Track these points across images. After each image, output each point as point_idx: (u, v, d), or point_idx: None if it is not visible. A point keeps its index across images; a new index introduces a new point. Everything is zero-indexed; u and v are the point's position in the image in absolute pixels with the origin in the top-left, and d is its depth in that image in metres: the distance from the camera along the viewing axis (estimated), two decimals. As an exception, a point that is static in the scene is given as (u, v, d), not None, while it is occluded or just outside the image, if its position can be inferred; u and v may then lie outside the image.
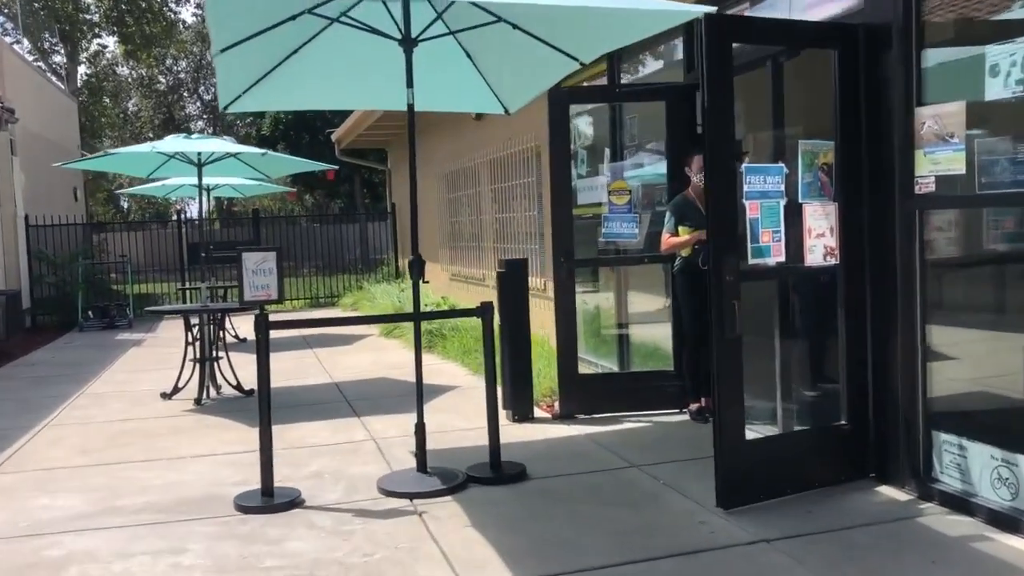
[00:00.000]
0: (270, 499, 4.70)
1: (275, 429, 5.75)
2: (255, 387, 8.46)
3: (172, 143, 7.87)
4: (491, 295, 12.34)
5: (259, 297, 4.66)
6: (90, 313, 14.95)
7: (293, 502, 4.68)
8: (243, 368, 8.50)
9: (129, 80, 45.22)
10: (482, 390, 7.87)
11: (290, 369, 9.53)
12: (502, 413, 6.51)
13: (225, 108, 5.37)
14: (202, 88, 46.58)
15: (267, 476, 4.75)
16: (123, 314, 15.11)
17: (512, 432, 6.08)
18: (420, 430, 5.12)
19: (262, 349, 4.66)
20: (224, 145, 7.99)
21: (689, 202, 6.04)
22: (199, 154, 7.97)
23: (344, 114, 28.11)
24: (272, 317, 4.68)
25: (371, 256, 21.46)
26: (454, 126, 12.91)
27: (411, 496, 4.76)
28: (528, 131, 9.65)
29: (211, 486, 5.15)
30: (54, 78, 29.16)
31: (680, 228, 5.94)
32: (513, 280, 6.30)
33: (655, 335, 7.20)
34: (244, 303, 4.59)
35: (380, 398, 7.66)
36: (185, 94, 46.77)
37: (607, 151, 7.80)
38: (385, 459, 5.59)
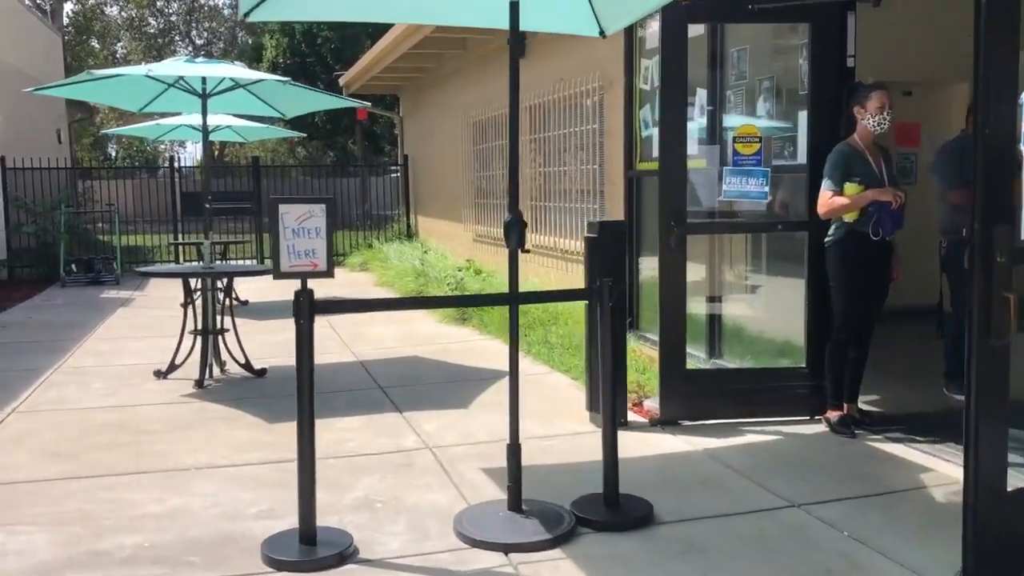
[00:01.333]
0: (311, 549, 3.39)
1: None
2: (266, 365, 7.40)
3: (172, 66, 6.42)
4: (524, 260, 11.06)
5: (301, 268, 3.31)
6: (73, 267, 13.51)
7: (343, 555, 3.37)
8: (248, 339, 7.16)
9: (118, 21, 43.26)
10: (542, 378, 6.52)
11: (304, 342, 8.18)
12: (584, 415, 5.21)
13: (246, 16, 3.96)
14: (194, 32, 44.67)
15: (307, 514, 3.44)
16: (109, 268, 13.69)
17: (605, 442, 4.78)
18: (515, 454, 3.81)
19: (304, 341, 3.33)
20: (236, 71, 6.53)
21: (856, 152, 4.69)
22: (204, 81, 6.52)
23: (351, 58, 26.48)
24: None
25: (375, 212, 20.03)
26: (481, 68, 11.45)
27: (506, 549, 3.46)
28: (587, 71, 8.23)
29: (226, 518, 3.83)
30: (38, 13, 27.33)
31: (846, 185, 4.59)
32: (608, 248, 4.94)
33: (775, 322, 5.88)
34: (281, 274, 3.21)
35: (420, 384, 6.33)
36: (176, 38, 44.82)
37: (701, 93, 6.40)
38: (452, 481, 4.28)
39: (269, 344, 8.04)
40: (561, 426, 5.14)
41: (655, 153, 7.17)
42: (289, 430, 5.25)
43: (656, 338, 6.37)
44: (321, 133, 30.77)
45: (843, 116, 4.82)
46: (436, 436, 4.98)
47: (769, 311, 5.96)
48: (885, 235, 4.60)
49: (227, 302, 6.82)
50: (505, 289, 9.19)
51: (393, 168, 25.88)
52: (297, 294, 3.29)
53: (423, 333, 8.46)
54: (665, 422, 5.06)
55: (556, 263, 9.17)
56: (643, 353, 6.54)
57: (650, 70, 7.22)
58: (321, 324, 9.19)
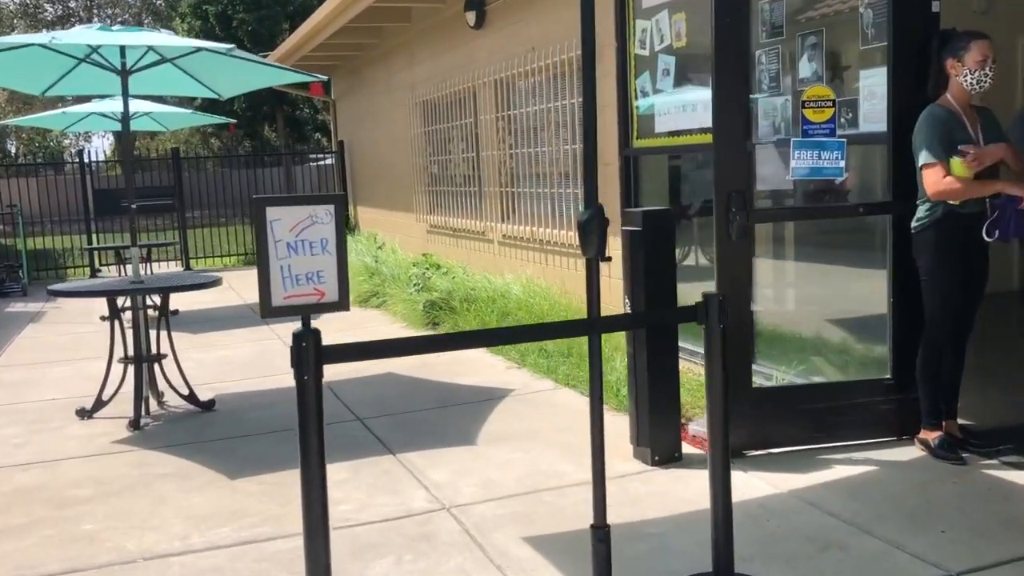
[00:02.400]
0: None
1: (268, 481, 3.57)
2: (212, 394, 5.87)
3: (82, 35, 5.19)
4: (493, 253, 10.10)
5: (301, 299, 2.25)
6: (-29, 277, 11.98)
7: None
8: (184, 358, 6.05)
9: (11, 8, 40.49)
10: (551, 396, 5.44)
11: (251, 358, 7.04)
12: (622, 447, 4.26)
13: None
14: (96, 19, 42.09)
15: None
16: (14, 278, 12.18)
17: (662, 486, 3.83)
18: (603, 539, 2.82)
19: (310, 411, 2.29)
20: (164, 39, 5.32)
21: (953, 116, 3.82)
22: (123, 54, 5.30)
23: (269, 40, 24.87)
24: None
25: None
26: (430, 42, 10.35)
27: None
28: (567, 37, 7.24)
29: (196, 645, 2.76)
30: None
31: (952, 161, 3.72)
32: (654, 244, 3.98)
33: (851, 326, 5.00)
34: (272, 310, 2.15)
35: (406, 412, 5.28)
36: (76, 25, 42.18)
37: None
38: (492, 561, 3.26)
39: (209, 364, 6.88)
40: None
41: (657, 128, 6.27)
42: (259, 489, 4.21)
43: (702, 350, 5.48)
44: (240, 121, 29.05)
45: (932, 72, 3.95)
46: (450, 489, 3.96)
47: (843, 313, 5.09)
48: (1005, 238, 3.75)
49: (162, 322, 5.65)
50: (485, 285, 8.25)
51: (318, 156, 24.48)
52: (297, 337, 2.25)
53: (391, 342, 7.37)
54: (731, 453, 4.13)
55: (533, 255, 8.19)
56: (687, 369, 5.54)
57: (649, 32, 6.27)
58: (263, 333, 8.04)
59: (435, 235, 10.91)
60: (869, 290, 4.47)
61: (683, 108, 5.94)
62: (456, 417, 5.12)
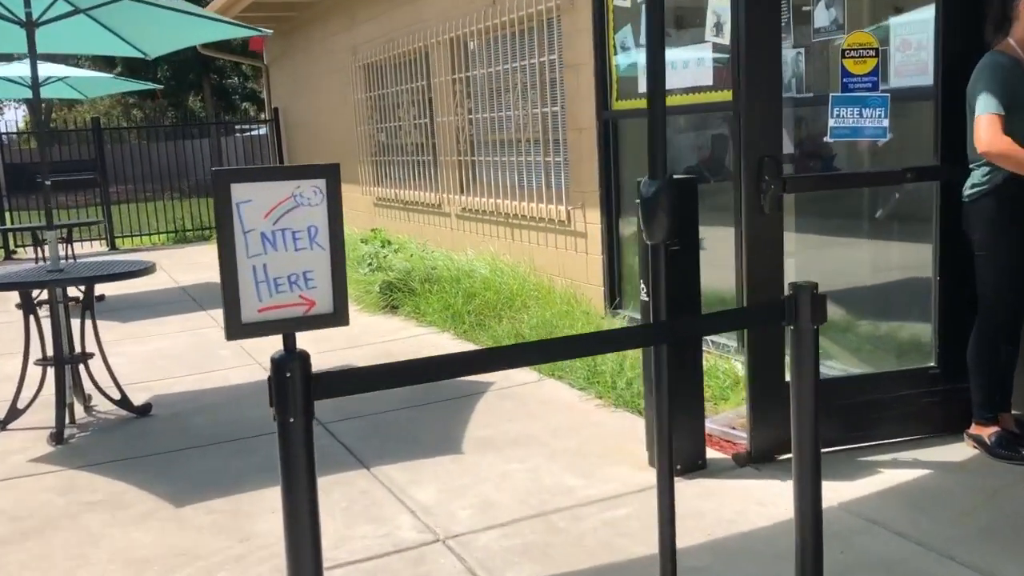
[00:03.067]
0: None
1: (221, 508, 2.95)
2: (147, 395, 4.97)
3: (-27, -23, 4.36)
4: (450, 228, 9.37)
5: (281, 311, 1.61)
6: None
7: None
8: (113, 352, 5.32)
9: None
10: (536, 389, 4.84)
11: (189, 350, 6.29)
12: (639, 455, 3.70)
13: None
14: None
15: None
16: (-82, 263, 11.09)
17: (692, 502, 3.28)
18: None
19: (296, 463, 1.66)
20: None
21: (1019, 66, 3.31)
22: (28, 3, 4.48)
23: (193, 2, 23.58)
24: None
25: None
26: (372, 1, 9.56)
27: None
28: (534, -12, 6.58)
29: None
30: None
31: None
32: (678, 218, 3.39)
33: (890, 309, 4.49)
34: (242, 329, 1.48)
35: (375, 413, 4.63)
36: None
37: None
38: (511, 611, 2.67)
39: (142, 359, 6.13)
40: (611, 474, 3.60)
41: (641, 88, 5.69)
42: (211, 521, 3.48)
43: (724, 341, 4.95)
44: (164, 90, 27.60)
45: (991, 14, 3.43)
46: (441, 513, 3.35)
47: (879, 295, 4.59)
48: None
49: (86, 314, 4.88)
50: (446, 264, 7.58)
51: (247, 128, 23.32)
52: (279, 365, 1.61)
53: (346, 329, 6.69)
54: (757, 458, 3.61)
55: (497, 230, 7.57)
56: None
57: (629, -18, 5.66)
58: (200, 320, 7.29)
59: (384, 208, 10.19)
60: (909, 268, 3.97)
61: (672, 65, 5.36)
62: (434, 418, 4.50)
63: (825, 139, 3.57)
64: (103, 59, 26.46)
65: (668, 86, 5.52)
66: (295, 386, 1.62)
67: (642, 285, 3.48)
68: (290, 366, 1.61)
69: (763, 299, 3.50)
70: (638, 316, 5.81)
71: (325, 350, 5.97)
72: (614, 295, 6.12)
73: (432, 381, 1.90)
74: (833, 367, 4.19)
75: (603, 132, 5.99)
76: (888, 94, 3.49)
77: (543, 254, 6.87)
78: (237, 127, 25.60)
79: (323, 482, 3.66)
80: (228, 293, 1.58)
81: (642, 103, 5.69)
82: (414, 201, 9.25)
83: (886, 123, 3.49)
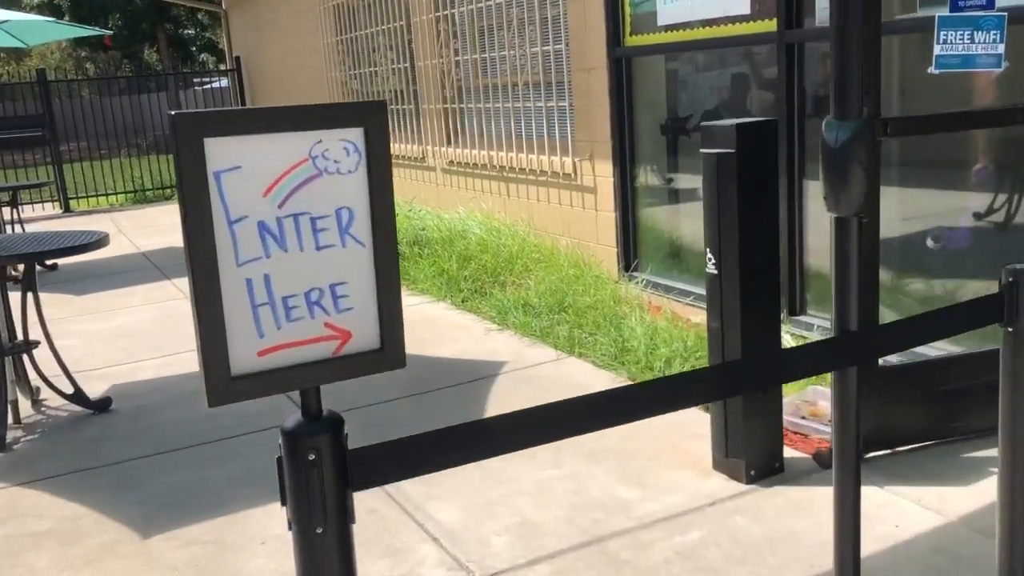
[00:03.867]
0: None
1: (199, 538, 2.23)
2: (106, 386, 4.29)
3: None
4: (436, 184, 8.60)
5: (300, 351, 0.92)
6: None
7: None
8: (66, 333, 4.61)
9: None
10: (558, 369, 4.20)
11: (154, 328, 5.58)
12: (702, 458, 3.10)
13: None
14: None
15: None
16: None
17: (779, 520, 2.70)
18: None
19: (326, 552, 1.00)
20: None
21: None
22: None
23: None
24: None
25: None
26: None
27: None
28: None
29: None
30: None
31: None
32: (756, 172, 2.74)
33: (989, 273, 3.88)
34: (230, 388, 0.80)
35: (375, 405, 3.98)
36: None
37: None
38: None
39: (99, 339, 5.42)
40: (670, 482, 3.00)
41: (660, 20, 5.00)
42: (188, 557, 2.69)
43: (814, 320, 4.31)
44: (116, 42, 26.23)
45: None
46: (470, 538, 2.74)
47: (977, 256, 3.98)
48: None
49: (26, 295, 4.16)
50: (436, 224, 6.89)
51: (205, 80, 22.14)
52: (291, 436, 0.96)
53: (328, 299, 6.02)
54: (843, 458, 3.01)
55: (489, 185, 6.88)
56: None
57: None
58: (166, 291, 6.56)
59: None
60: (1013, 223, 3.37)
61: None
62: (443, 409, 3.87)
63: (929, 71, 2.93)
64: (49, 7, 25.05)
65: (690, 17, 4.84)
66: (325, 478, 0.97)
67: (709, 254, 2.84)
68: (315, 443, 0.96)
69: (863, 271, 2.87)
70: (658, 280, 5.20)
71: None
72: (629, 257, 5.49)
73: (529, 446, 1.27)
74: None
75: (615, 73, 5.30)
76: (1006, 13, 2.84)
77: (544, 211, 6.20)
78: (196, 80, 24.40)
79: (320, 498, 3.02)
80: (206, 329, 0.92)
81: (661, 37, 5.01)
82: (395, 155, 8.50)
83: (1001, 49, 2.85)
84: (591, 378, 4.08)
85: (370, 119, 0.96)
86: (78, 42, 26.89)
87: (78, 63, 34.10)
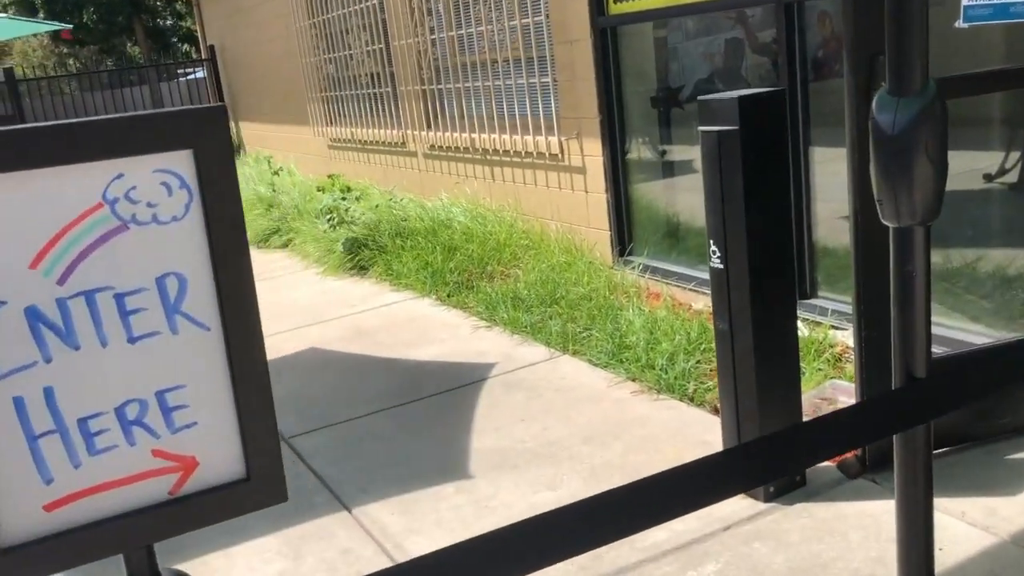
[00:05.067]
0: None
1: None
2: None
3: None
4: (417, 170, 8.19)
5: (119, 492, 0.58)
6: None
7: None
8: None
9: None
10: (553, 369, 3.77)
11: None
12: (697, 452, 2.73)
13: None
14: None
15: None
16: None
17: (805, 545, 2.37)
18: None
19: None
20: None
21: None
22: None
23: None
24: None
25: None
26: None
27: None
28: None
29: None
30: None
31: None
32: (762, 151, 2.39)
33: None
34: None
35: (352, 420, 3.65)
36: None
37: None
38: None
39: None
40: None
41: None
42: None
43: (827, 304, 3.92)
44: (92, 36, 25.70)
45: None
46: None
47: (1010, 232, 3.63)
48: None
49: None
50: (418, 212, 6.52)
51: (187, 71, 21.63)
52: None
53: (307, 299, 5.68)
54: (873, 464, 2.69)
55: (473, 169, 6.52)
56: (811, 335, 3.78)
57: None
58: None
59: (340, 151, 9.05)
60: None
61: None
62: (426, 422, 3.54)
63: (956, 25, 2.57)
64: (22, 3, 24.52)
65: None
66: None
67: (712, 246, 2.50)
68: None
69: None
70: (656, 264, 4.86)
71: (282, 329, 4.97)
72: (623, 241, 5.14)
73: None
74: (963, 332, 3.27)
75: (600, 44, 4.93)
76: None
77: (532, 195, 5.85)
78: (179, 71, 23.89)
79: (289, 534, 2.72)
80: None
81: (648, 3, 4.63)
82: (374, 140, 8.12)
83: (1038, -4, 2.49)
84: (587, 379, 3.75)
85: (202, 136, 0.62)
86: (56, 37, 26.35)
87: (61, 59, 33.54)
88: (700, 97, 2.48)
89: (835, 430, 1.05)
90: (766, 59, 4.30)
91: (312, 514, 2.87)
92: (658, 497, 0.96)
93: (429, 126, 7.07)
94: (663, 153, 5.10)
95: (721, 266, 2.48)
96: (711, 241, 2.48)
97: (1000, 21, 2.53)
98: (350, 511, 2.88)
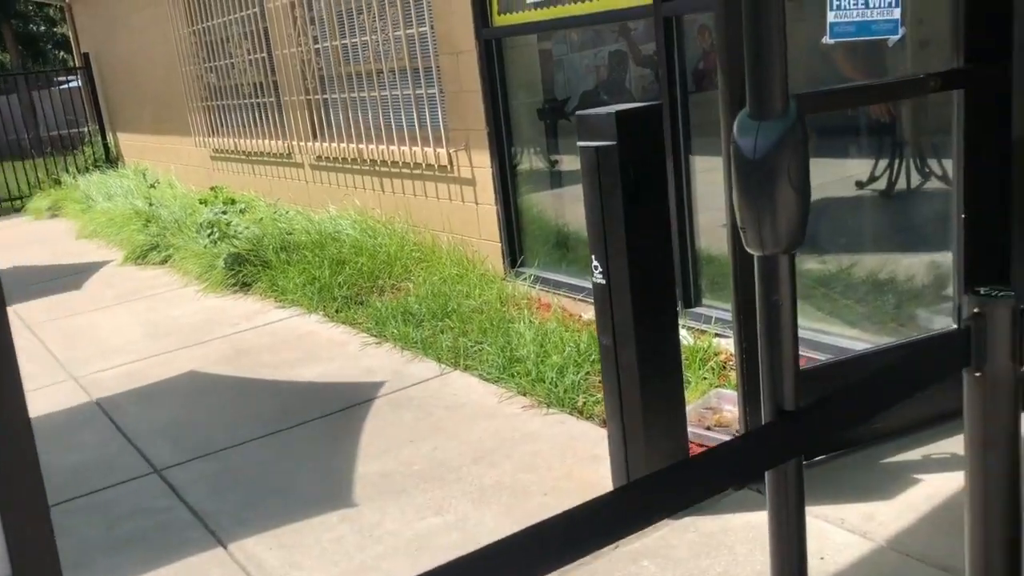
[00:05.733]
0: None
1: None
2: None
3: None
4: (304, 181, 7.94)
5: None
6: None
7: None
8: None
9: None
10: (444, 386, 3.70)
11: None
12: (600, 483, 2.71)
13: None
14: None
15: None
16: None
17: (695, 559, 2.36)
18: None
19: None
20: None
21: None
22: None
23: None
24: None
25: (52, 134, 15.33)
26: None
27: None
28: None
29: None
30: None
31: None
32: (640, 167, 2.38)
33: (902, 260, 3.60)
34: None
35: (232, 448, 3.49)
36: None
37: None
38: None
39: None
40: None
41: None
42: None
43: (712, 312, 3.93)
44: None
45: None
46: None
47: (887, 238, 3.71)
48: None
49: None
50: (305, 226, 6.32)
51: (62, 79, 20.63)
52: None
53: (187, 318, 5.43)
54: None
55: (362, 180, 6.39)
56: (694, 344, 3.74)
57: None
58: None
59: (223, 162, 8.76)
60: (922, 202, 3.13)
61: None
62: (310, 447, 3.41)
63: (823, 41, 2.62)
64: None
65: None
66: None
67: (595, 262, 2.47)
68: None
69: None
70: (547, 275, 4.84)
71: (159, 352, 4.73)
72: (515, 252, 5.11)
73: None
74: (836, 335, 3.34)
75: (486, 55, 4.89)
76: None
77: (423, 206, 5.76)
78: (57, 79, 22.77)
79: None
80: None
81: (531, 15, 4.62)
82: (258, 151, 7.89)
83: (898, 13, 2.57)
84: (477, 395, 3.68)
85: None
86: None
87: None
88: (578, 112, 2.46)
89: (707, 469, 1.01)
90: (649, 71, 4.34)
91: (184, 552, 2.71)
92: (541, 546, 0.90)
93: (315, 137, 6.90)
94: (552, 164, 5.10)
95: (603, 281, 2.46)
96: (593, 256, 2.46)
97: (864, 38, 2.60)
98: (226, 547, 2.73)
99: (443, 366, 4.04)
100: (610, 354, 2.52)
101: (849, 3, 2.53)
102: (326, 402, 3.79)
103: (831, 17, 2.54)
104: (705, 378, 3.38)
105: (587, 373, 3.57)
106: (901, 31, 2.60)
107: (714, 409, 3.14)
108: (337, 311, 5.06)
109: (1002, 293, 1.14)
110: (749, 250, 1.04)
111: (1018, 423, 1.21)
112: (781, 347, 1.05)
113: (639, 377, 2.47)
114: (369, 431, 3.46)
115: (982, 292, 1.14)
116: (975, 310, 1.12)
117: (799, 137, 0.96)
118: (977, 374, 1.16)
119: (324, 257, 5.62)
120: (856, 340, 3.38)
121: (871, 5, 2.54)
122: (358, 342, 4.57)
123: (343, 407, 3.72)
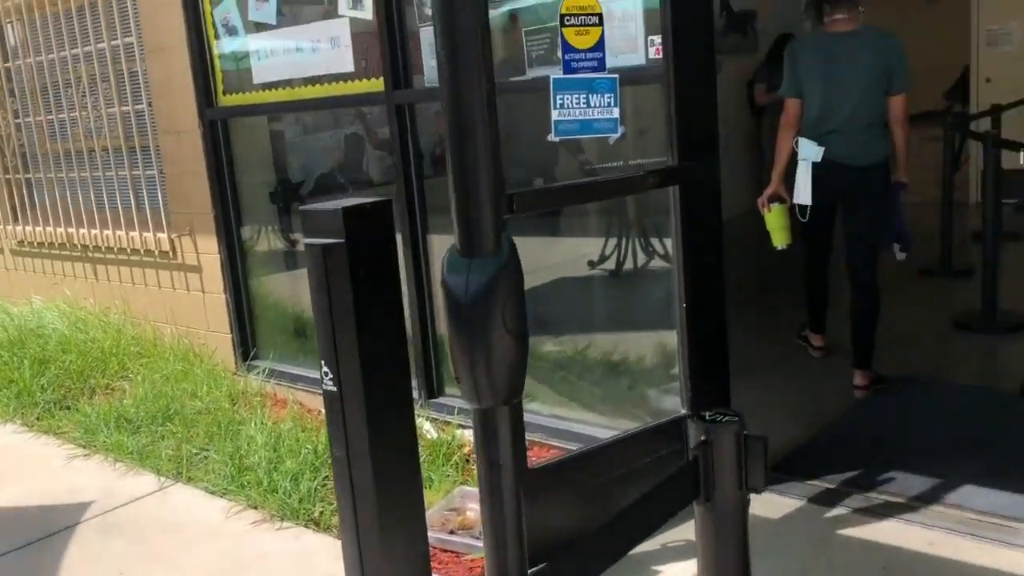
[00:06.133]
0: None
1: None
2: None
3: None
4: (4, 268, 6.94)
5: None
6: None
7: None
8: None
9: None
10: (162, 505, 3.27)
11: None
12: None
13: None
14: None
15: None
16: None
17: None
18: None
19: None
20: None
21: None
22: None
23: None
24: None
25: None
26: None
27: None
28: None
29: None
30: None
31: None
32: (372, 266, 2.23)
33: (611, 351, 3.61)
34: None
35: None
36: None
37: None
38: None
39: None
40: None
41: (256, 78, 4.42)
42: None
43: (454, 402, 3.75)
44: None
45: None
46: None
47: (610, 324, 3.74)
48: None
49: None
50: (4, 321, 5.56)
51: None
52: None
53: None
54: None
55: (72, 267, 5.78)
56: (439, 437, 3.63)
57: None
58: None
59: (27, 259, 7.58)
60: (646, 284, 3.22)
61: (298, 48, 4.17)
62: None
63: (549, 138, 2.64)
64: None
65: (290, 75, 4.32)
66: None
67: (324, 367, 2.28)
68: None
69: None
70: (283, 368, 4.55)
71: None
72: (246, 344, 4.77)
73: None
74: (574, 420, 3.34)
75: (210, 135, 4.60)
76: (617, 76, 2.65)
77: (143, 296, 5.28)
78: None
79: None
80: None
81: (259, 97, 4.41)
82: (72, 244, 6.92)
83: (616, 113, 2.65)
84: (202, 512, 3.32)
85: None
86: None
87: None
88: (302, 208, 2.28)
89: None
90: (386, 153, 4.26)
91: None
92: None
93: (16, 219, 6.19)
94: (286, 249, 4.86)
95: (335, 388, 2.26)
96: (323, 362, 2.27)
97: (586, 136, 2.65)
98: None
99: (163, 479, 3.63)
100: (343, 468, 2.32)
101: (572, 103, 2.57)
102: (17, 533, 3.26)
103: (555, 116, 2.56)
104: (448, 475, 3.26)
105: (325, 478, 3.34)
106: (621, 130, 2.69)
107: (458, 510, 3.02)
108: (38, 418, 4.45)
109: (726, 418, 1.10)
110: (465, 402, 0.92)
111: (746, 550, 1.17)
112: (504, 516, 0.93)
113: (375, 491, 2.28)
114: (68, 567, 2.99)
115: (707, 418, 1.09)
116: (702, 438, 1.07)
117: (513, 276, 0.86)
118: (708, 502, 1.11)
119: (24, 356, 4.97)
120: (594, 426, 3.42)
121: (592, 104, 2.60)
122: (63, 455, 4.02)
123: (39, 537, 3.21)
